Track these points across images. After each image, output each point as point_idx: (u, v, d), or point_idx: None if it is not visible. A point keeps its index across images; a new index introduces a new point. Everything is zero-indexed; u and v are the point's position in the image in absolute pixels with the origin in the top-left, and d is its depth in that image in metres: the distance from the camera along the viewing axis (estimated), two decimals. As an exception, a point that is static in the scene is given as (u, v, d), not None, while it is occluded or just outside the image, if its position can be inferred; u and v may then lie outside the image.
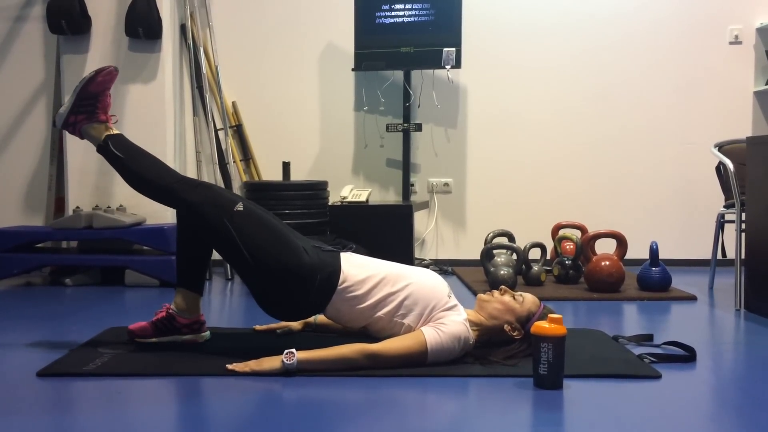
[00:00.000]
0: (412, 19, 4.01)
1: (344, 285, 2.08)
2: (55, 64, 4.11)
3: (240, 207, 2.12)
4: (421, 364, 2.00)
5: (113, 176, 3.91)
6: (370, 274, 2.11)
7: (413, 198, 4.32)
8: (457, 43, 3.97)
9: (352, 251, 2.26)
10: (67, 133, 3.87)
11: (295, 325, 2.45)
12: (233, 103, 4.34)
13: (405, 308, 2.07)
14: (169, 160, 3.93)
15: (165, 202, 2.23)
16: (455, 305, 2.11)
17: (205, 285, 2.31)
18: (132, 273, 3.61)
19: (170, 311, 2.23)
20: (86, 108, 2.25)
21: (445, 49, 3.97)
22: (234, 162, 4.22)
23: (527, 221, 4.35)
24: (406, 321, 2.06)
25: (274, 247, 2.08)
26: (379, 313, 2.08)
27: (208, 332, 2.31)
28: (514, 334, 2.08)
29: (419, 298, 2.07)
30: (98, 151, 2.27)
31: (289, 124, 4.37)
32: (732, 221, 3.31)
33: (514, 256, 3.53)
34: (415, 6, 4.00)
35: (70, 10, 3.73)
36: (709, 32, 4.34)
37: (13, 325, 2.67)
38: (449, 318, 2.05)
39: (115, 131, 2.29)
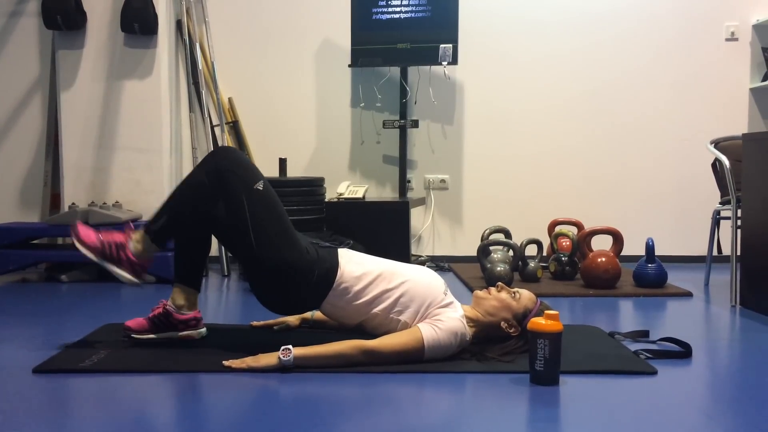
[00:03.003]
0: (408, 15, 4.00)
1: (341, 281, 2.08)
2: (51, 59, 4.10)
3: (260, 186, 2.10)
4: (418, 361, 2.00)
5: (109, 172, 3.90)
6: (366, 270, 2.11)
7: (410, 194, 4.32)
8: (453, 40, 3.96)
9: (349, 248, 2.26)
10: (62, 129, 3.89)
11: (292, 321, 2.45)
12: (229, 100, 4.33)
13: (401, 305, 2.07)
14: (165, 157, 3.93)
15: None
16: (451, 302, 2.11)
17: (202, 281, 2.30)
18: (128, 269, 3.60)
19: (167, 307, 2.23)
20: (114, 258, 2.12)
21: (441, 46, 3.97)
22: (230, 158, 4.21)
23: (524, 218, 4.35)
24: (402, 318, 2.07)
25: (279, 239, 2.07)
26: (375, 310, 2.08)
27: (204, 329, 2.31)
28: (511, 330, 2.09)
29: (415, 295, 2.08)
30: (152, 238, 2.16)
31: (286, 121, 4.36)
32: (728, 218, 3.32)
33: (511, 253, 3.53)
34: (411, 2, 3.99)
35: (65, 5, 3.71)
36: (706, 29, 4.35)
37: (8, 321, 2.66)
38: (446, 314, 2.05)
39: (137, 236, 2.15)
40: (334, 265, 2.10)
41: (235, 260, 3.89)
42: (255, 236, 2.06)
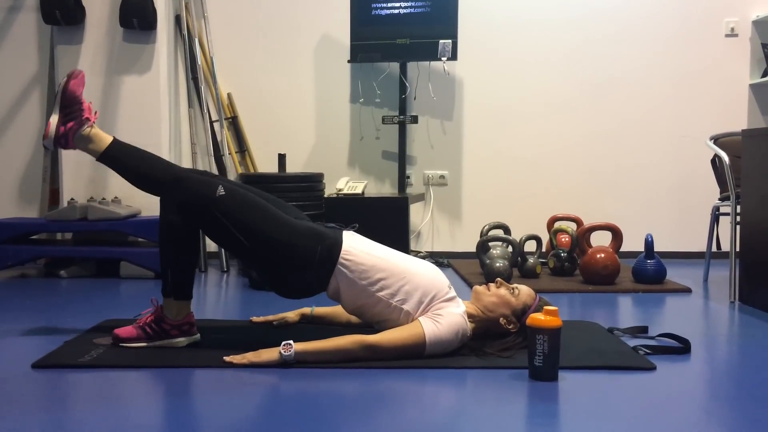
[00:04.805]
0: (408, 10, 3.99)
1: (346, 258, 2.07)
2: (49, 55, 4.09)
3: (221, 191, 2.08)
4: (419, 356, 2.00)
5: (108, 168, 3.89)
6: (372, 253, 2.10)
7: (409, 190, 4.32)
8: (453, 35, 3.96)
9: (355, 231, 2.24)
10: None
11: (292, 317, 2.45)
12: (228, 95, 4.32)
13: (405, 293, 2.06)
14: (164, 152, 3.92)
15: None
16: (455, 297, 2.11)
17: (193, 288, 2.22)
18: (127, 265, 3.60)
19: (160, 314, 2.16)
20: (73, 113, 2.23)
21: (441, 41, 3.96)
22: (229, 154, 4.21)
23: (523, 214, 4.36)
24: (406, 307, 2.05)
25: (266, 226, 2.06)
26: (379, 294, 2.06)
27: (198, 335, 2.23)
28: (510, 327, 2.09)
29: (420, 285, 2.07)
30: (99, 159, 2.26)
31: (285, 116, 4.36)
32: (727, 214, 3.32)
33: (510, 249, 3.53)
34: (411, -3, 3.99)
35: (64, 0, 3.70)
36: (705, 25, 4.35)
37: (7, 316, 2.66)
38: (447, 310, 2.05)
39: (108, 138, 2.25)
40: (338, 242, 2.09)
41: (234, 257, 3.89)
42: (244, 236, 2.05)
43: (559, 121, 4.38)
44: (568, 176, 4.39)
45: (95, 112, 2.31)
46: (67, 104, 2.23)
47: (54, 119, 2.23)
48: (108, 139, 2.25)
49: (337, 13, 4.28)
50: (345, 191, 3.84)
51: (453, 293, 2.12)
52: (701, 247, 4.14)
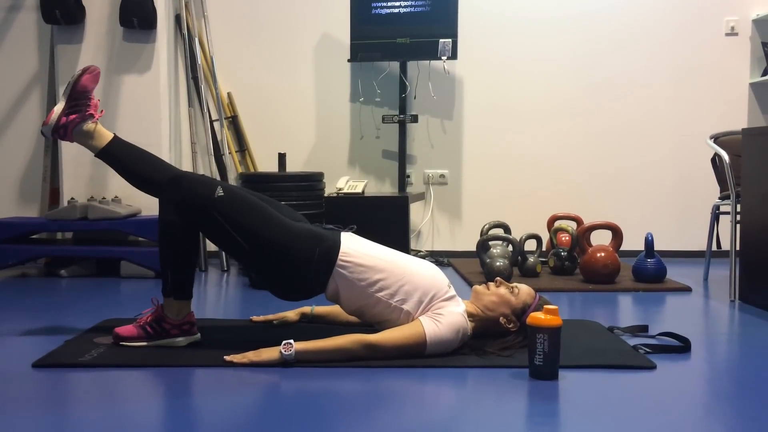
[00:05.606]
0: (408, 9, 3.99)
1: (344, 259, 2.07)
2: (49, 54, 4.09)
3: (220, 192, 2.08)
4: (420, 355, 2.00)
5: (108, 167, 3.88)
6: (370, 253, 2.10)
7: (409, 189, 4.32)
8: (453, 35, 3.96)
9: (353, 231, 2.24)
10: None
11: (292, 316, 2.45)
12: (228, 94, 4.32)
13: (404, 293, 2.06)
14: (164, 152, 3.92)
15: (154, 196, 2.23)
16: (454, 296, 2.11)
17: (193, 288, 2.22)
18: (127, 264, 3.61)
19: (161, 314, 2.16)
20: (79, 107, 2.23)
21: (441, 40, 3.96)
22: (229, 153, 4.21)
23: (523, 213, 4.36)
24: (405, 307, 2.05)
25: (265, 229, 2.05)
26: (378, 294, 2.06)
27: (198, 334, 2.23)
28: (510, 326, 2.09)
29: (419, 285, 2.07)
30: (97, 155, 2.27)
31: (285, 116, 4.36)
32: (727, 213, 3.32)
33: (510, 248, 3.53)
34: (411, -3, 3.99)
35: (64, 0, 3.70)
36: (706, 24, 4.34)
37: (8, 316, 2.66)
38: (447, 309, 2.05)
39: (109, 135, 2.26)
40: (336, 243, 2.09)
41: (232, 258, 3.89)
42: (242, 238, 2.05)
43: (560, 120, 4.38)
44: (568, 175, 4.39)
45: (101, 111, 2.31)
46: (76, 96, 2.24)
47: (58, 108, 2.24)
48: (109, 136, 2.26)
49: (337, 12, 4.28)
50: (345, 190, 3.83)
51: (453, 292, 2.11)
52: (701, 246, 4.14)
